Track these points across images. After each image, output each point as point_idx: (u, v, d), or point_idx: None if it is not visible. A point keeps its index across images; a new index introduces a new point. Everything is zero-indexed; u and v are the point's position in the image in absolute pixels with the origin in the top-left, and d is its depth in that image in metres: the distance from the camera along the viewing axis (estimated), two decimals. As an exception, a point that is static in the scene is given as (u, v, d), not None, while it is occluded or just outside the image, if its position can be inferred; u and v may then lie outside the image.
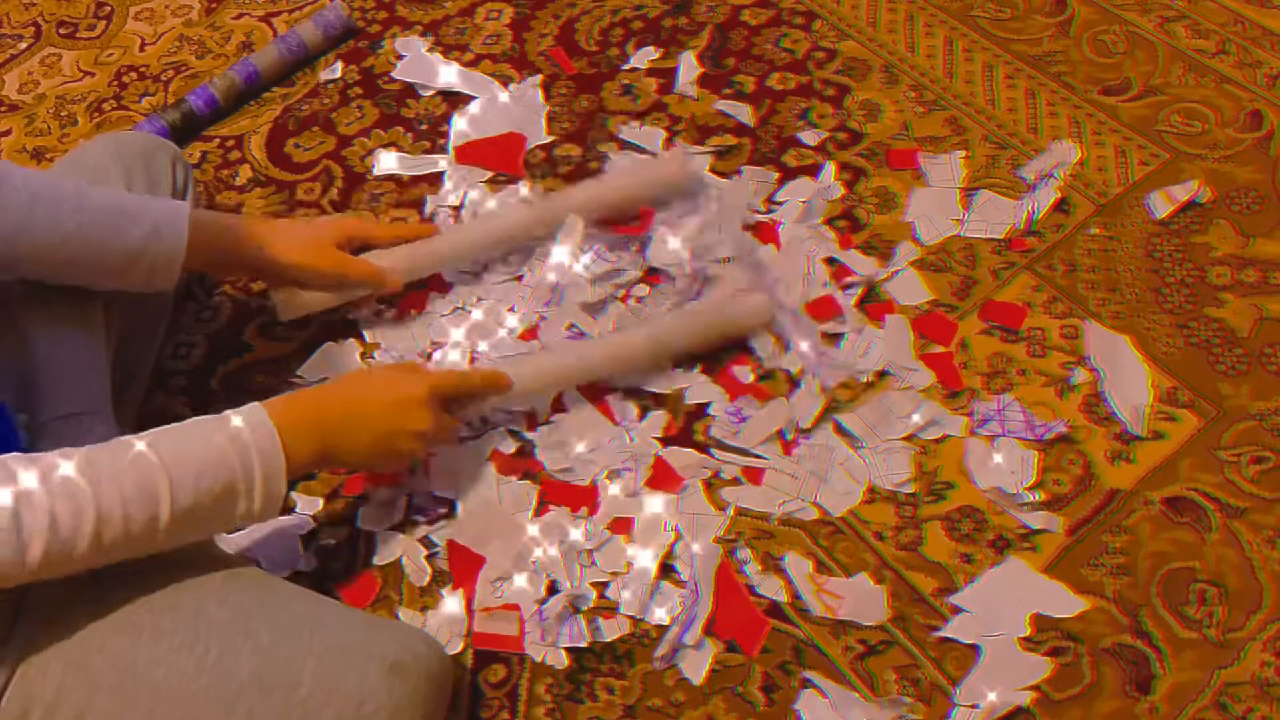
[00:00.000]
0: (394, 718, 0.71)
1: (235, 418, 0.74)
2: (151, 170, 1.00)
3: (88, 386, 0.89)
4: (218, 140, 1.28)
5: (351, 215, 1.16)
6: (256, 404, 0.76)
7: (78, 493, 0.66)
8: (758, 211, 1.13)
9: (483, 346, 1.05)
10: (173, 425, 0.73)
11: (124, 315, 0.95)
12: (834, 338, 1.03)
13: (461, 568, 0.93)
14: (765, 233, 1.11)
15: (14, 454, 0.66)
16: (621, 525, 0.94)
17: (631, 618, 0.90)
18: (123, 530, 0.67)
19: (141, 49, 1.40)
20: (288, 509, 0.98)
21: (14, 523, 0.63)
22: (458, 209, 1.17)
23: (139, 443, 0.70)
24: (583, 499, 0.96)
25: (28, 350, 0.85)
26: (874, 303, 1.06)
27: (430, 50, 1.33)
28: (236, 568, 0.79)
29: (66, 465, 0.66)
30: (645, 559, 0.92)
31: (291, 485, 0.79)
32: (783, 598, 0.91)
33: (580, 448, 0.98)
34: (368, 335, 1.09)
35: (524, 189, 1.18)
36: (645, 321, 1.03)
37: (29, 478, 0.65)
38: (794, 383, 1.02)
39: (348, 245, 1.00)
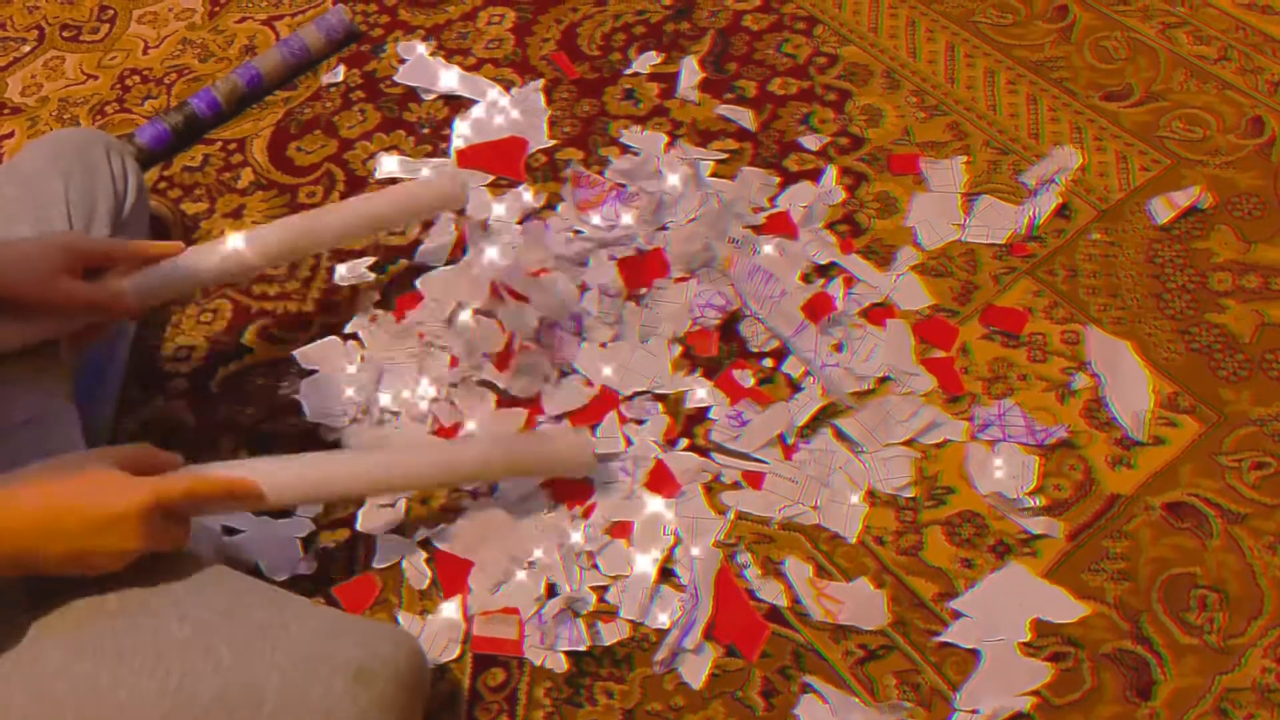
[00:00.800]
0: None
1: None
2: (88, 164, 0.97)
3: (49, 390, 0.87)
4: (220, 143, 1.28)
5: (81, 235, 0.93)
6: None
7: None
8: (761, 209, 1.13)
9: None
10: None
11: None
12: (835, 344, 1.03)
13: (449, 575, 0.93)
14: (779, 224, 1.11)
15: None
16: (621, 529, 0.94)
17: (631, 621, 0.90)
18: None
19: (144, 52, 1.40)
20: (288, 513, 0.98)
21: None
22: (459, 213, 1.17)
23: None
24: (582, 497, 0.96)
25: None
26: (875, 308, 1.06)
27: (432, 54, 1.33)
28: (202, 568, 0.76)
29: None
30: (645, 563, 0.92)
31: None
32: (783, 602, 0.90)
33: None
34: (366, 340, 1.08)
35: (526, 193, 1.18)
36: (434, 444, 0.97)
37: None
38: (795, 387, 1.02)
39: (80, 269, 0.85)
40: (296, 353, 1.07)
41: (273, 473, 0.81)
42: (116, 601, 0.72)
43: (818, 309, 1.04)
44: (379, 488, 0.90)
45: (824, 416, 0.99)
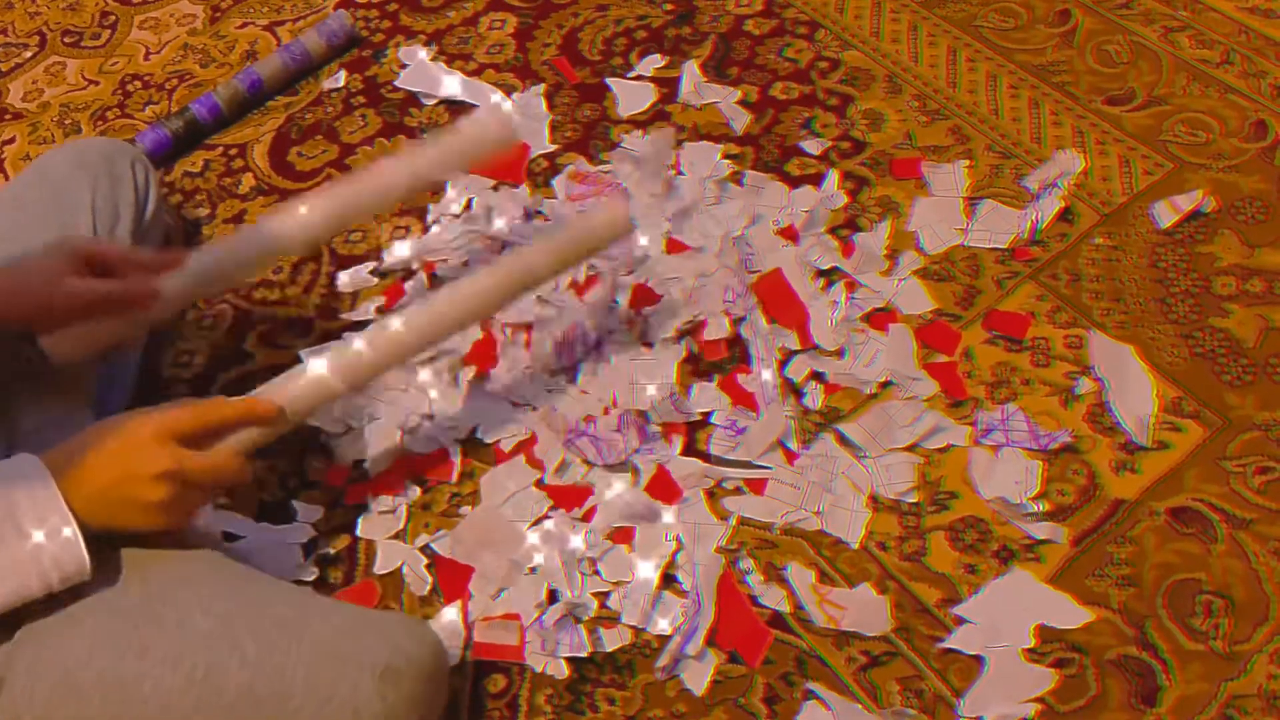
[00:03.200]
0: None
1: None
2: (114, 174, 0.99)
3: (67, 393, 0.88)
4: (221, 149, 1.28)
5: (76, 237, 0.93)
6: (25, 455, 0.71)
7: None
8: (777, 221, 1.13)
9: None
10: None
11: None
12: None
13: (450, 580, 0.93)
14: (785, 234, 1.12)
15: None
16: (623, 534, 0.94)
17: (633, 628, 0.90)
18: None
19: (146, 58, 1.40)
20: (288, 519, 0.98)
21: None
22: (458, 217, 1.17)
23: None
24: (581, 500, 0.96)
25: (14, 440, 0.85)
26: (878, 312, 1.06)
27: (433, 59, 1.33)
28: (222, 566, 0.78)
29: None
30: (647, 569, 0.92)
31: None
32: (785, 608, 0.90)
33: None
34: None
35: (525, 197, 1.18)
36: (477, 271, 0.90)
37: None
38: (797, 393, 1.01)
39: (88, 270, 0.84)
40: (302, 353, 1.07)
41: (289, 385, 0.81)
42: (139, 594, 0.72)
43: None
44: (435, 335, 0.87)
45: (828, 422, 0.99)
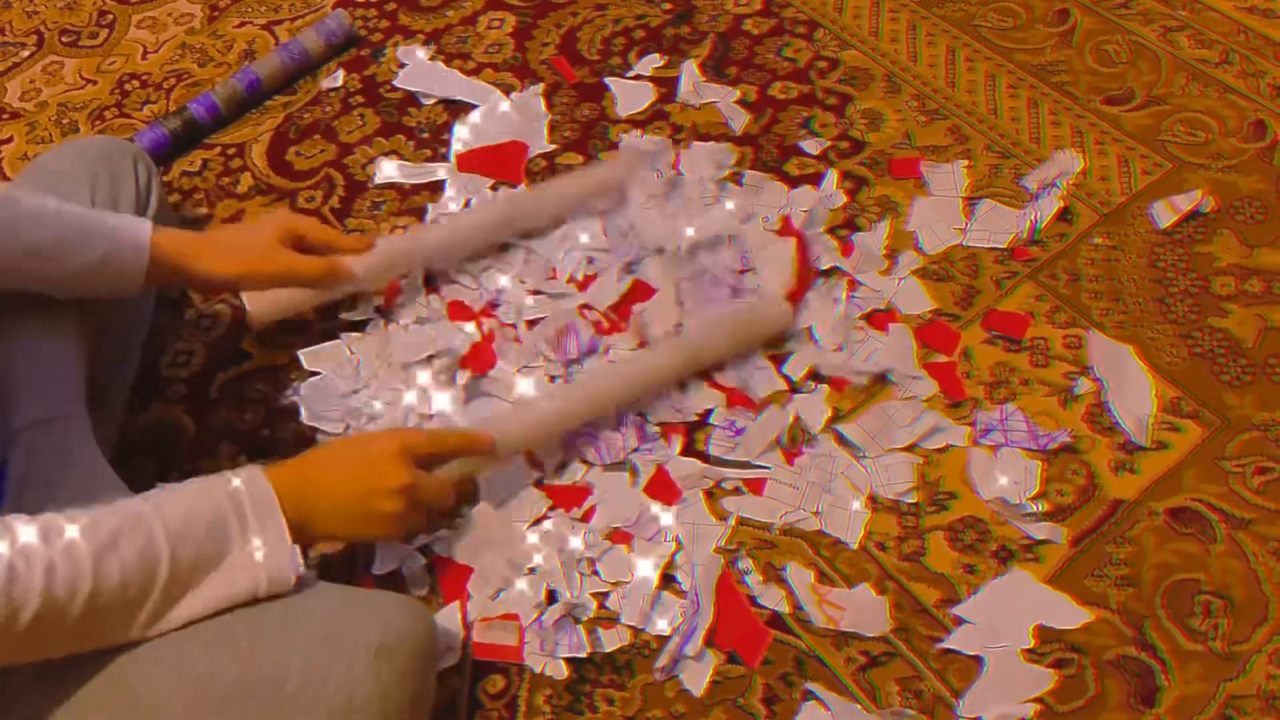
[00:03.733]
0: (383, 704, 0.70)
1: (235, 479, 0.73)
2: (114, 173, 1.00)
3: (61, 390, 0.88)
4: (219, 148, 1.28)
5: (290, 213, 1.08)
6: (257, 468, 0.75)
7: (77, 554, 0.64)
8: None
9: (442, 402, 1.02)
10: (175, 487, 0.72)
11: (100, 316, 0.94)
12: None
13: (449, 581, 0.93)
14: (786, 232, 1.11)
15: (16, 514, 0.64)
16: (622, 535, 0.94)
17: (632, 628, 0.90)
18: (119, 596, 0.66)
19: (144, 57, 1.40)
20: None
21: (8, 577, 0.61)
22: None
23: (143, 506, 0.69)
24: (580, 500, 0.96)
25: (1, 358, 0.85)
26: (877, 312, 1.05)
27: (432, 59, 1.33)
28: None
29: (70, 526, 0.65)
30: (646, 569, 0.92)
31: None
32: (784, 608, 0.90)
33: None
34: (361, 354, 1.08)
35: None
36: (651, 348, 1.01)
37: (28, 533, 0.63)
38: (794, 389, 1.01)
39: (295, 244, 0.96)
40: (301, 353, 1.07)
41: (498, 423, 0.91)
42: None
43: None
44: (603, 408, 0.97)
45: (826, 423, 0.99)
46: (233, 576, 0.71)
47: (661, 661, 0.87)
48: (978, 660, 0.86)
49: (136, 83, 1.37)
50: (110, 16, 1.46)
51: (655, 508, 0.95)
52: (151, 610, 0.68)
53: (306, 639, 0.71)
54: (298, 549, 0.74)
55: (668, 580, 0.92)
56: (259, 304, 1.02)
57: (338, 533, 0.81)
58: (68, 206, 0.85)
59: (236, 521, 0.72)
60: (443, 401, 1.02)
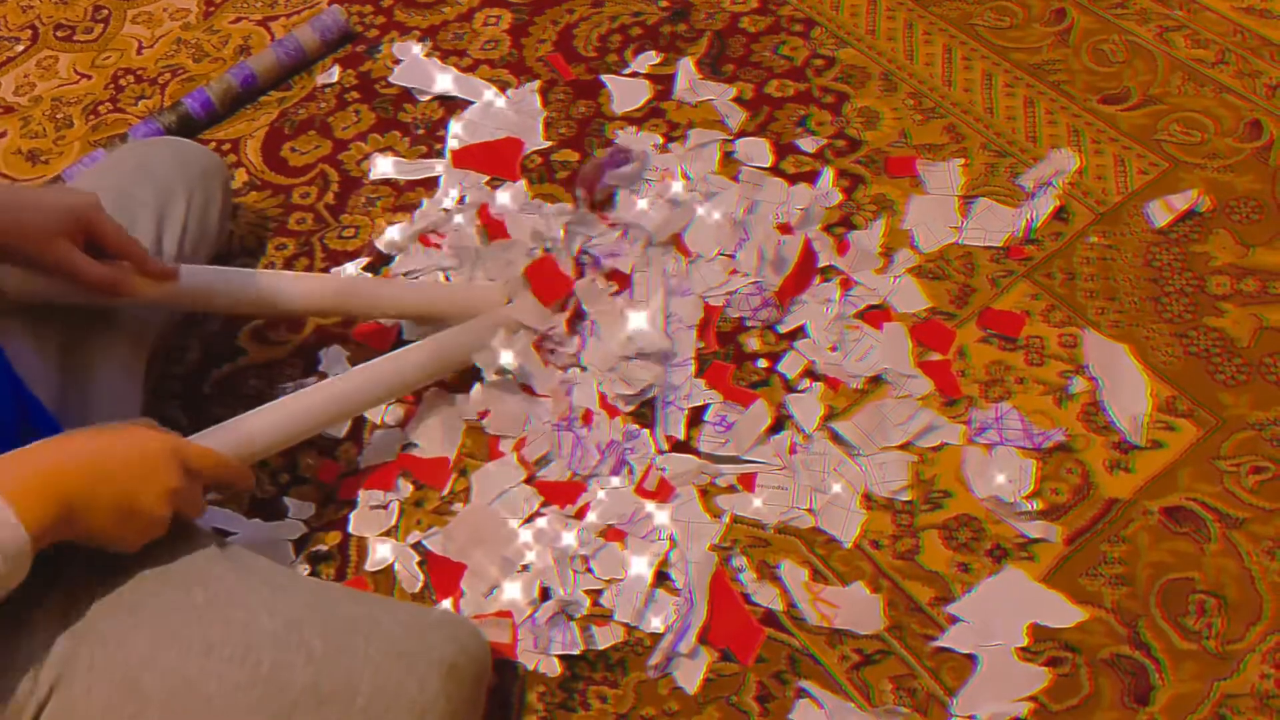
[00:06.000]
0: None
1: None
2: (209, 193, 1.04)
3: (130, 401, 0.90)
4: (214, 144, 1.27)
5: (92, 205, 0.87)
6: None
7: None
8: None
9: None
10: None
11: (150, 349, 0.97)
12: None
13: (442, 578, 0.92)
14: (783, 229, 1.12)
15: None
16: (615, 532, 0.94)
17: (626, 625, 0.90)
18: None
19: (139, 52, 1.40)
20: (280, 515, 0.98)
21: None
22: (449, 212, 1.17)
23: None
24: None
25: (87, 383, 0.86)
26: (872, 310, 1.05)
27: (428, 55, 1.33)
28: (279, 569, 0.77)
29: None
30: (640, 566, 0.91)
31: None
32: (778, 606, 0.90)
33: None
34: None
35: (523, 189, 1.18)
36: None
37: None
38: (789, 388, 1.01)
39: (84, 238, 0.86)
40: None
41: (250, 431, 0.85)
42: (203, 595, 0.71)
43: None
44: (355, 407, 0.93)
45: (822, 421, 0.99)
46: None
47: (655, 659, 0.87)
48: (972, 659, 0.86)
49: (131, 77, 1.36)
50: (105, 11, 1.46)
51: (649, 505, 0.95)
52: None
53: (380, 651, 0.70)
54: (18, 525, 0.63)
55: (662, 577, 0.92)
56: (9, 280, 0.87)
57: (99, 528, 0.68)
58: None
59: None
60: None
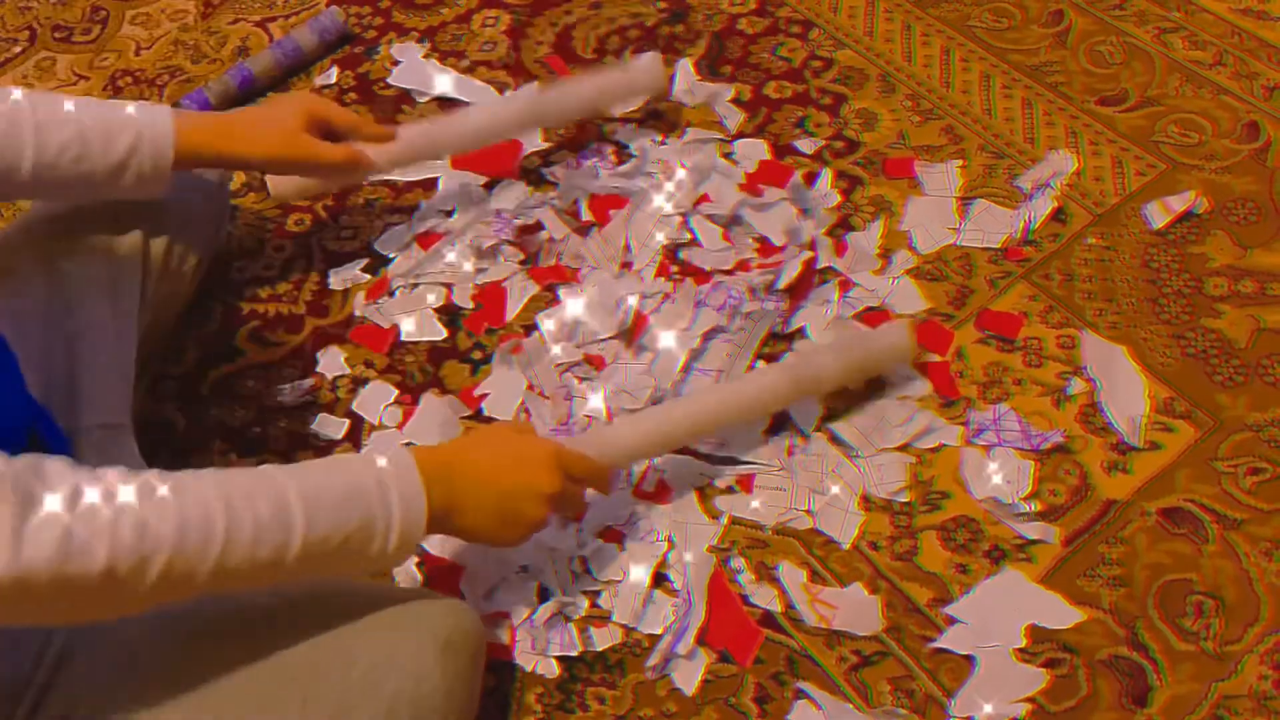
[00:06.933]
0: (448, 699, 0.70)
1: (380, 458, 0.70)
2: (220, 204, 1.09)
3: (121, 398, 0.89)
4: (212, 145, 1.27)
5: (314, 96, 1.14)
6: (404, 448, 0.73)
7: (212, 511, 0.61)
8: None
9: None
10: (314, 460, 0.71)
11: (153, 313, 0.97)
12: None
13: (440, 579, 0.92)
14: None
15: (153, 470, 0.62)
16: (613, 533, 0.94)
17: (624, 626, 0.90)
18: (249, 555, 0.62)
19: (137, 53, 1.39)
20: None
21: (138, 534, 0.58)
22: (449, 213, 1.17)
23: (278, 471, 0.66)
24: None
25: (70, 354, 0.86)
26: (871, 311, 1.05)
27: (426, 57, 1.33)
28: None
29: (203, 482, 0.62)
30: (638, 568, 0.91)
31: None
32: (776, 607, 0.90)
33: None
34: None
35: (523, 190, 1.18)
36: (764, 367, 0.99)
37: (163, 489, 0.60)
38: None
39: (319, 129, 0.96)
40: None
41: (618, 440, 0.87)
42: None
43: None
44: (719, 424, 0.93)
45: (820, 422, 0.99)
46: (365, 550, 0.68)
47: (653, 660, 0.87)
48: (970, 660, 0.86)
49: (129, 79, 1.36)
50: (103, 12, 1.45)
51: (647, 507, 0.95)
52: (275, 572, 0.65)
53: (374, 624, 0.71)
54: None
55: (660, 579, 0.92)
56: (281, 186, 1.05)
57: (477, 528, 0.75)
58: (81, 100, 0.85)
59: (379, 500, 0.68)
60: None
